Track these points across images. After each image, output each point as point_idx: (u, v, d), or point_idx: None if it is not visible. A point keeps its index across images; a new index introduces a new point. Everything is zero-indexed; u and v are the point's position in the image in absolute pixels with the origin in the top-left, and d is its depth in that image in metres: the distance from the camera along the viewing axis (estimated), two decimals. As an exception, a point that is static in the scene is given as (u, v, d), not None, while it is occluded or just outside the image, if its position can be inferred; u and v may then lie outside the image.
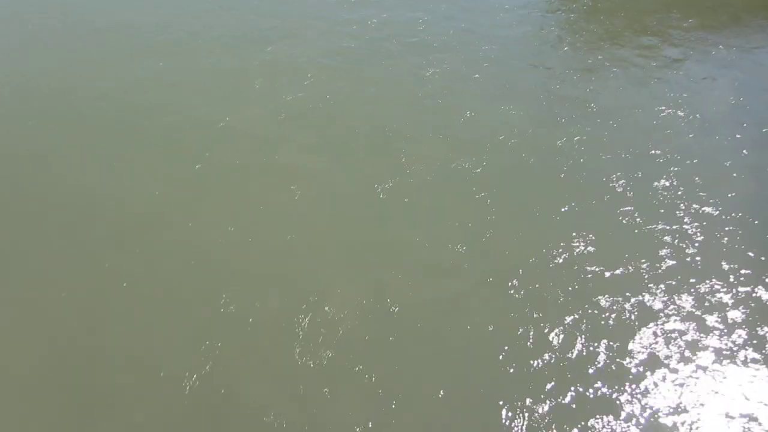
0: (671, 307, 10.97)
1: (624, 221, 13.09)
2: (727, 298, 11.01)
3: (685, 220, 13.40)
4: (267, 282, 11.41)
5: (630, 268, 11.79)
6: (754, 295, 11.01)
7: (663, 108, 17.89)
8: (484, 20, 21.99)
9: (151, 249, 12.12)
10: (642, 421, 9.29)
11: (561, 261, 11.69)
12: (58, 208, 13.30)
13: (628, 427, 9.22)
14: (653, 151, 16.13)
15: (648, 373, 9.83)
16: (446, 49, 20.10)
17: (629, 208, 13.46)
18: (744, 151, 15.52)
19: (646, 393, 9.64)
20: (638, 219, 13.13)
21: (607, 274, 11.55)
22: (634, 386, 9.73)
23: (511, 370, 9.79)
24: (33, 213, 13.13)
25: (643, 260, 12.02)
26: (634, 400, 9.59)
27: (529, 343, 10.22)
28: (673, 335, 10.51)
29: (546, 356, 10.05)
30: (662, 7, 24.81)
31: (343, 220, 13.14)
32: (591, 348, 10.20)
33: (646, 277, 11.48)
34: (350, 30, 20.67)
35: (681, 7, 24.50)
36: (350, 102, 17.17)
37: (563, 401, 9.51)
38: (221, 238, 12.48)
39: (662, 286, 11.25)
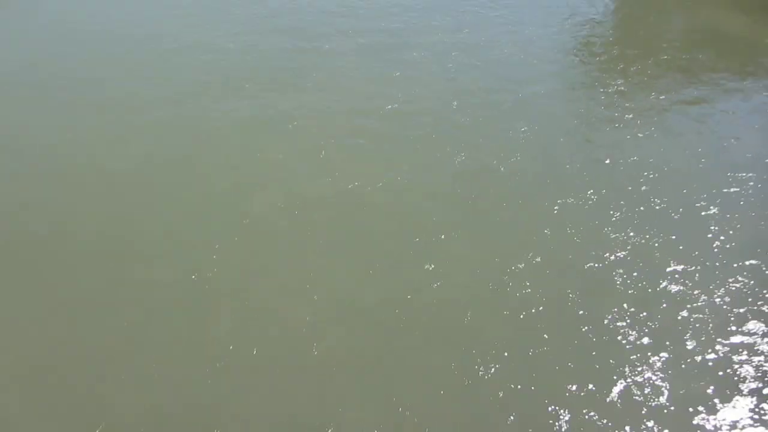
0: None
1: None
2: None
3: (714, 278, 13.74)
4: (276, 404, 11.23)
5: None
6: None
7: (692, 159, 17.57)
8: (511, 92, 21.19)
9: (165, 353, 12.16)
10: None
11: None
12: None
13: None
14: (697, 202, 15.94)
15: None
16: (475, 124, 19.46)
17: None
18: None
19: None
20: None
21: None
22: None
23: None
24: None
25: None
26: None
27: None
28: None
29: None
30: (687, 48, 24.21)
31: (359, 341, 12.35)
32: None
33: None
34: (374, 107, 19.94)
35: (708, 52, 23.77)
36: (373, 192, 15.85)
37: None
38: (219, 351, 12.07)
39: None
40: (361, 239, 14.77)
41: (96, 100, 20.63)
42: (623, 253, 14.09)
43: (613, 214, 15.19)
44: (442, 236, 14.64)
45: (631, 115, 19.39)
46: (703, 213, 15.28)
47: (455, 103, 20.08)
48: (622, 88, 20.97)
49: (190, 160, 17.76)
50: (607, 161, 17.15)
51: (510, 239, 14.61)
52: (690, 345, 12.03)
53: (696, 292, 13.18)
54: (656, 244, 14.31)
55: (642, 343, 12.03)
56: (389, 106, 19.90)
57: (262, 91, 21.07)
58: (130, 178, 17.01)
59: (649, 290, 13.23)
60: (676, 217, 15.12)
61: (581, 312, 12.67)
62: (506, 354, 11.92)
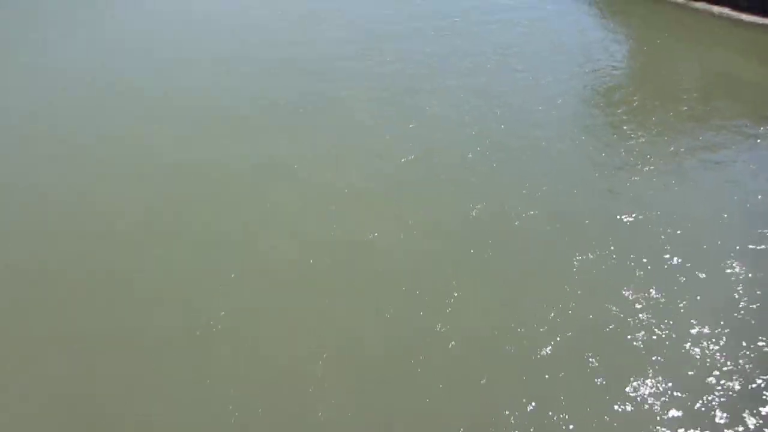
0: None
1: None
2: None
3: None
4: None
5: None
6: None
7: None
8: (528, 147, 20.85)
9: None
10: None
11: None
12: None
13: None
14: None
15: None
16: (492, 172, 19.24)
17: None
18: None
19: None
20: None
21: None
22: None
23: None
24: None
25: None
26: None
27: None
28: None
29: None
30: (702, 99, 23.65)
31: (366, 396, 11.95)
32: None
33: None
34: (388, 154, 20.05)
35: (725, 100, 23.50)
36: (383, 241, 15.43)
37: None
38: (220, 398, 11.90)
39: None
40: (369, 288, 14.40)
41: (104, 142, 20.70)
42: (646, 313, 13.50)
43: (635, 271, 14.64)
44: (454, 290, 14.17)
45: (651, 166, 18.98)
46: (728, 271, 14.69)
47: (470, 151, 19.80)
48: (642, 138, 20.59)
49: (196, 205, 17.59)
50: (628, 215, 16.67)
51: (526, 295, 14.09)
52: (719, 416, 11.37)
53: (722, 356, 12.55)
54: (681, 304, 13.71)
55: (667, 415, 11.39)
56: (403, 154, 19.67)
57: (275, 135, 21.01)
58: (137, 218, 16.89)
59: (674, 354, 12.60)
60: (701, 275, 14.53)
61: (600, 378, 12.06)
62: (518, 414, 11.34)
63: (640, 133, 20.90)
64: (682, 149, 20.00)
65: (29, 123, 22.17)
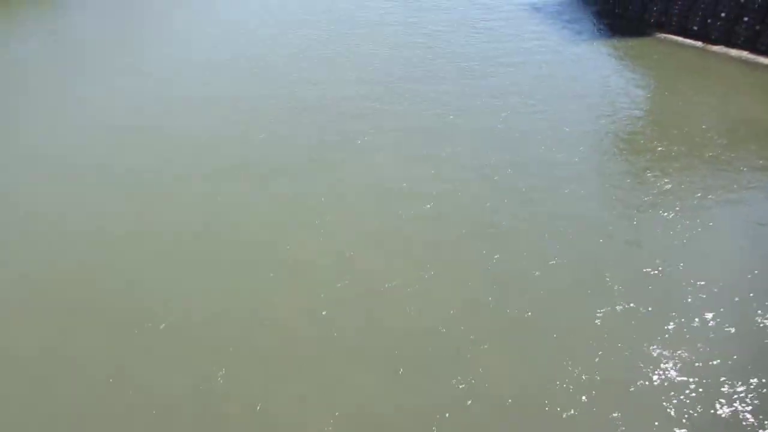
0: None
1: None
2: None
3: None
4: None
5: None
6: None
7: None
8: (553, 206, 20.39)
9: None
10: None
11: None
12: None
13: None
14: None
15: None
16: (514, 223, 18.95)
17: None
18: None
19: None
20: None
21: None
22: None
23: None
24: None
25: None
26: None
27: None
28: None
29: None
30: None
31: None
32: None
33: None
34: (406, 205, 19.82)
35: (749, 146, 23.02)
36: (401, 296, 15.24)
37: None
38: None
39: None
40: (386, 347, 14.02)
41: (113, 185, 20.84)
42: (675, 372, 13.02)
43: (663, 327, 14.18)
44: (473, 347, 13.78)
45: (677, 214, 18.59)
46: (760, 325, 14.19)
47: (490, 202, 19.58)
48: (667, 185, 20.25)
49: (208, 254, 17.44)
50: (653, 268, 16.25)
51: (548, 351, 13.67)
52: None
53: (756, 416, 12.01)
54: (712, 364, 13.21)
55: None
56: (422, 203, 19.54)
57: (291, 184, 20.95)
58: (144, 275, 16.76)
59: (707, 418, 12.09)
60: (732, 331, 14.05)
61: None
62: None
63: (665, 180, 20.57)
64: (709, 195, 19.63)
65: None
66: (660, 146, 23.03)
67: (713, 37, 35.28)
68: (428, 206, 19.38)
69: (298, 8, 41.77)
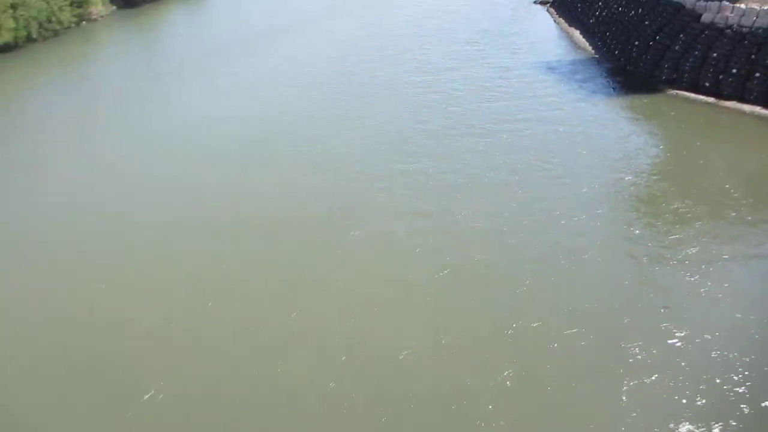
0: None
1: None
2: None
3: None
4: None
5: None
6: None
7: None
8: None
9: None
10: None
11: None
12: None
13: None
14: None
15: None
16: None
17: None
18: None
19: None
20: None
21: None
22: None
23: None
24: None
25: None
26: None
27: None
28: None
29: None
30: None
31: None
32: None
33: None
34: (421, 269, 19.73)
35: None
36: (415, 365, 15.65)
37: None
38: None
39: None
40: (400, 419, 13.93)
41: (119, 254, 20.90)
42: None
43: (694, 400, 14.15)
44: (491, 418, 13.71)
45: (704, 279, 18.48)
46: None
47: (508, 263, 19.61)
48: (693, 248, 20.16)
49: (209, 322, 17.44)
50: (679, 339, 16.04)
51: (570, 425, 13.63)
52: None
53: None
54: (747, 439, 13.25)
55: None
56: (437, 267, 19.54)
57: (302, 244, 21.01)
58: (150, 337, 16.92)
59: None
60: (765, 405, 14.09)
61: None
62: None
63: (689, 243, 20.51)
64: (737, 257, 19.56)
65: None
66: (682, 206, 23.07)
67: (725, 93, 35.73)
68: (446, 271, 19.42)
69: (321, 68, 42.70)
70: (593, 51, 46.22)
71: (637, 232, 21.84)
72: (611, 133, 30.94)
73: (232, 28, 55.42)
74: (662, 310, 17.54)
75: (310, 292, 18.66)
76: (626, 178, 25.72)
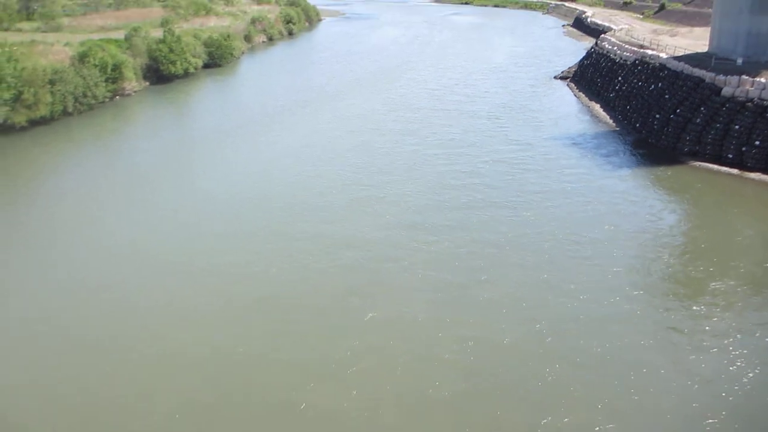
0: None
1: None
2: None
3: None
4: None
5: None
6: None
7: None
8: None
9: None
10: None
11: None
12: None
13: None
14: None
15: None
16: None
17: None
18: None
19: None
20: None
21: None
22: None
23: None
24: None
25: None
26: None
27: None
28: None
29: None
30: None
31: None
32: None
33: None
34: (439, 358, 19.04)
35: None
36: None
37: None
38: None
39: None
40: None
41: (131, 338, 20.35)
42: None
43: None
44: None
45: (748, 370, 17.80)
46: None
47: (535, 356, 18.83)
48: (736, 335, 19.47)
49: (223, 406, 17.04)
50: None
51: None
52: None
53: None
54: None
55: None
56: (460, 356, 18.90)
57: (317, 330, 20.49)
58: (173, 409, 16.79)
59: None
60: None
61: None
62: None
63: (731, 330, 19.88)
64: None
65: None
66: (722, 286, 22.58)
67: (749, 164, 35.83)
68: (470, 359, 18.81)
69: (343, 142, 43.22)
70: (614, 124, 46.82)
71: (674, 317, 21.15)
72: (640, 209, 30.83)
73: (257, 102, 56.93)
74: (704, 409, 16.63)
75: (322, 375, 18.33)
76: (659, 257, 25.33)
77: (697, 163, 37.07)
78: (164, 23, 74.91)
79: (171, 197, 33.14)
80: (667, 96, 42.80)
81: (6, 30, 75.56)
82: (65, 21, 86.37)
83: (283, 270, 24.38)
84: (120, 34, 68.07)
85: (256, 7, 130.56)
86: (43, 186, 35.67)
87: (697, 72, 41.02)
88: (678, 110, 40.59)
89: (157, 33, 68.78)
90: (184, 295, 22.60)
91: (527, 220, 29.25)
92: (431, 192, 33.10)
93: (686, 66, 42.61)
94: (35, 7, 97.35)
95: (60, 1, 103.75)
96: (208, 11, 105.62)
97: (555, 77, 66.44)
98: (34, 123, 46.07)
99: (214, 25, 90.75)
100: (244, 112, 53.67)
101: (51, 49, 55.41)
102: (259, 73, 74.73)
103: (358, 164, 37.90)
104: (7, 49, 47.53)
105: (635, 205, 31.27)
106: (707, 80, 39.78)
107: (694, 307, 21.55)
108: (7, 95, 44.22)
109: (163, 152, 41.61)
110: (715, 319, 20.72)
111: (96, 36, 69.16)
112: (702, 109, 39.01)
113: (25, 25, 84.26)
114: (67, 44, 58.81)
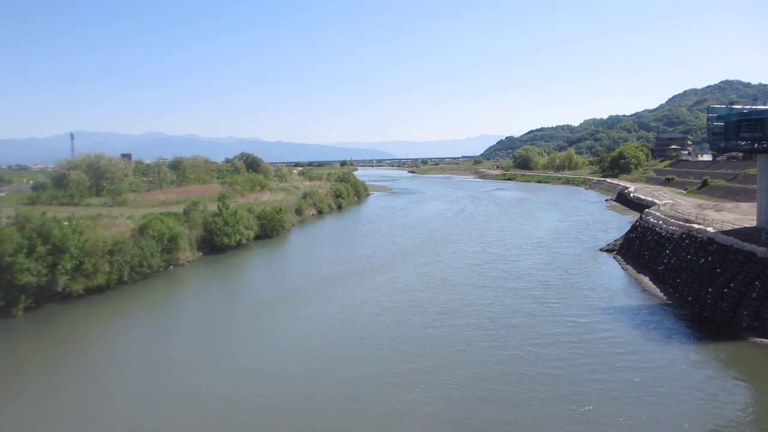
0: None
1: None
2: None
3: None
4: None
5: None
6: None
7: None
8: None
9: None
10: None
11: None
12: None
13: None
14: None
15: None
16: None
17: None
18: None
19: None
20: None
21: None
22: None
23: None
24: None
25: None
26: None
27: None
28: None
29: None
30: None
31: None
32: None
33: None
34: None
35: None
36: None
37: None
38: None
39: None
40: None
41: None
42: None
43: None
44: None
45: None
46: None
47: None
48: None
49: None
50: None
51: None
52: None
53: None
54: None
55: None
56: None
57: None
58: None
59: None
60: None
61: None
62: None
63: None
64: None
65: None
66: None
67: (813, 340, 33.91)
68: None
69: (381, 321, 42.89)
70: (665, 297, 45.49)
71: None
72: (698, 391, 28.86)
73: (301, 273, 58.18)
74: None
75: None
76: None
77: (757, 339, 35.11)
78: (221, 198, 79.85)
79: (190, 376, 32.74)
80: (718, 270, 41.82)
81: (76, 205, 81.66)
82: (131, 196, 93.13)
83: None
84: (180, 208, 72.65)
85: (308, 183, 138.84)
86: (88, 351, 36.22)
87: (748, 246, 40.37)
88: (731, 284, 39.44)
89: (214, 207, 73.02)
90: None
91: (581, 400, 27.57)
92: (474, 384, 30.37)
93: (736, 240, 42.08)
94: (104, 184, 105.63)
95: (127, 179, 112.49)
96: (263, 187, 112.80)
97: (601, 249, 66.38)
98: (90, 291, 47.91)
99: (267, 199, 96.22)
100: (287, 284, 54.87)
101: (115, 221, 59.15)
102: (307, 245, 77.40)
103: (395, 347, 36.12)
104: (74, 222, 50.83)
105: (689, 384, 29.45)
106: (759, 255, 38.99)
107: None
108: (69, 265, 46.63)
109: (201, 326, 41.99)
110: None
111: (158, 210, 73.94)
112: (756, 283, 37.84)
113: (93, 200, 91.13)
114: (130, 217, 62.74)
